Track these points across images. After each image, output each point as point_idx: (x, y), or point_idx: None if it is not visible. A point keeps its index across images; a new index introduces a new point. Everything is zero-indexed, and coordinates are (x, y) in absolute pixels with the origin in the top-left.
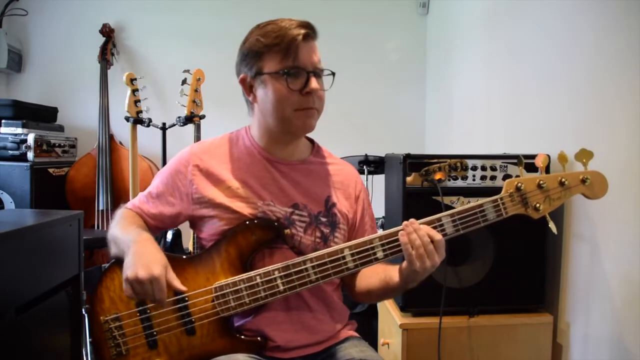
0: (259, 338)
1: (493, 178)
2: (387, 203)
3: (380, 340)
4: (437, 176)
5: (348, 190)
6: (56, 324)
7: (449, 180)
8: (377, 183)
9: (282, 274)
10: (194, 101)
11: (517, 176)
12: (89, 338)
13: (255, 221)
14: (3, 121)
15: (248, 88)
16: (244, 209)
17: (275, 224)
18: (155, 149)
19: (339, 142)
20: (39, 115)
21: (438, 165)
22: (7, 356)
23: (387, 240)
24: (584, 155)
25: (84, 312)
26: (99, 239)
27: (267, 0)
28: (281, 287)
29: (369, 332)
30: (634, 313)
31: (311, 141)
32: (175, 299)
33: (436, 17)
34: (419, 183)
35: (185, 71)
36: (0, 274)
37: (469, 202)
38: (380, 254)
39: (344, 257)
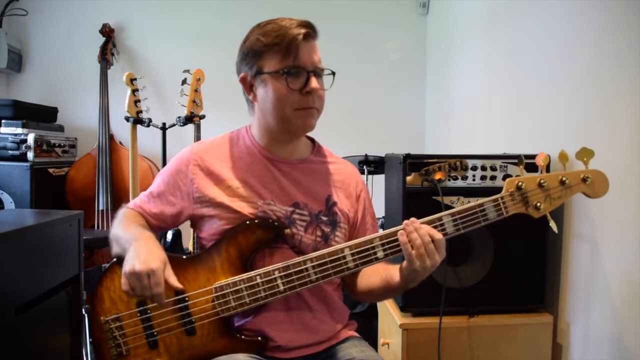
0: (259, 338)
1: (493, 178)
2: (387, 203)
3: (380, 340)
4: (437, 176)
5: (349, 189)
6: (56, 324)
7: (449, 180)
8: (377, 183)
9: (282, 273)
10: (194, 101)
11: (518, 175)
12: (89, 338)
13: (256, 221)
14: (3, 121)
15: (248, 87)
16: (245, 208)
17: (276, 223)
18: (155, 149)
19: (339, 142)
20: (39, 115)
21: (438, 165)
22: (7, 356)
23: (387, 240)
24: (585, 154)
25: (84, 312)
26: (99, 239)
27: (267, 0)
28: (281, 287)
29: (369, 332)
30: (634, 313)
31: (312, 140)
32: (175, 299)
33: (436, 17)
34: (419, 183)
35: (185, 71)
36: (0, 274)
37: (469, 202)
38: (380, 254)
39: (344, 257)
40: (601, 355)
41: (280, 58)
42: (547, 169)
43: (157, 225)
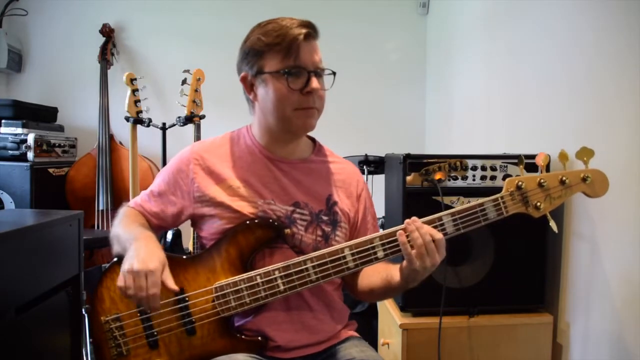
0: (259, 338)
1: (493, 178)
2: (387, 203)
3: (380, 340)
4: (437, 176)
5: (350, 189)
6: (56, 324)
7: (449, 180)
8: (377, 183)
9: (283, 273)
10: (194, 101)
11: (518, 175)
12: (89, 338)
13: (256, 221)
14: (3, 121)
15: (249, 87)
16: (245, 208)
17: (276, 223)
18: (155, 149)
19: (339, 142)
20: (39, 115)
21: (438, 165)
22: (7, 356)
23: (387, 240)
24: (585, 153)
25: (84, 312)
26: (99, 239)
27: (268, 0)
28: (281, 287)
29: (369, 332)
30: (634, 313)
31: (312, 140)
32: (175, 299)
33: (436, 17)
34: (419, 183)
35: (185, 71)
36: (0, 274)
37: (469, 202)
38: (380, 254)
39: (344, 257)
40: (601, 355)
41: (281, 58)
42: (547, 169)
43: (157, 225)
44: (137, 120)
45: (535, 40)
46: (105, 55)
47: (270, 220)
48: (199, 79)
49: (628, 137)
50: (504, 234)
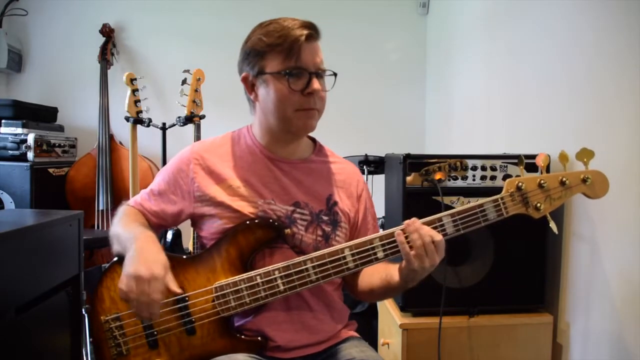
0: (259, 338)
1: (493, 178)
2: (387, 203)
3: (380, 340)
4: (437, 176)
5: (350, 189)
6: (56, 324)
7: (449, 180)
8: (377, 183)
9: (283, 273)
10: (194, 101)
11: (518, 176)
12: (89, 338)
13: (256, 221)
14: (3, 121)
15: (250, 87)
16: (245, 207)
17: (276, 223)
18: (155, 149)
19: (339, 142)
20: (39, 115)
21: (438, 165)
22: (7, 356)
23: (387, 240)
24: (585, 154)
25: (84, 312)
26: (99, 239)
27: (268, 0)
28: (281, 287)
29: (369, 332)
30: (634, 313)
31: (313, 140)
32: (175, 299)
33: (436, 17)
34: (419, 183)
35: (185, 71)
36: (0, 274)
37: (469, 202)
38: (380, 254)
39: (344, 257)
40: (601, 355)
41: (282, 59)
42: (547, 170)
43: (157, 223)
44: (137, 120)
45: (535, 40)
46: (105, 55)
47: (271, 220)
48: (199, 79)
49: (628, 137)
50: (504, 234)
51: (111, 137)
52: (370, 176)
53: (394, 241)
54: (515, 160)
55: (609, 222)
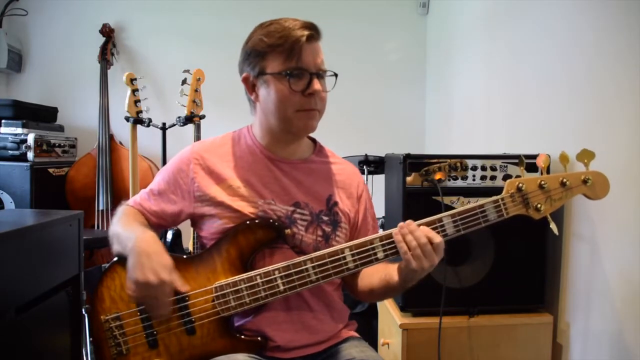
0: (259, 338)
1: (493, 178)
2: (387, 203)
3: (380, 340)
4: (437, 176)
5: (350, 189)
6: (56, 324)
7: (449, 180)
8: (377, 183)
9: (283, 273)
10: (194, 101)
11: (518, 176)
12: (89, 338)
13: (256, 221)
14: (3, 121)
15: (250, 87)
16: (245, 208)
17: (276, 224)
18: (155, 149)
19: (339, 142)
20: (39, 115)
21: (438, 165)
22: (7, 356)
23: (387, 241)
24: (586, 155)
25: (84, 312)
26: (99, 239)
27: (268, 0)
28: (281, 287)
29: (369, 332)
30: (634, 313)
31: (313, 140)
32: (175, 299)
33: (436, 17)
34: (419, 183)
35: (185, 71)
36: (0, 274)
37: (469, 202)
38: (380, 254)
39: (344, 257)
40: (601, 355)
41: (283, 59)
42: (548, 170)
43: (157, 223)
44: (137, 120)
45: (535, 40)
46: (105, 55)
47: (271, 221)
48: (199, 79)
49: (628, 137)
50: (504, 234)
51: (111, 137)
52: (370, 176)
53: (394, 241)
54: (515, 160)
55: (609, 222)
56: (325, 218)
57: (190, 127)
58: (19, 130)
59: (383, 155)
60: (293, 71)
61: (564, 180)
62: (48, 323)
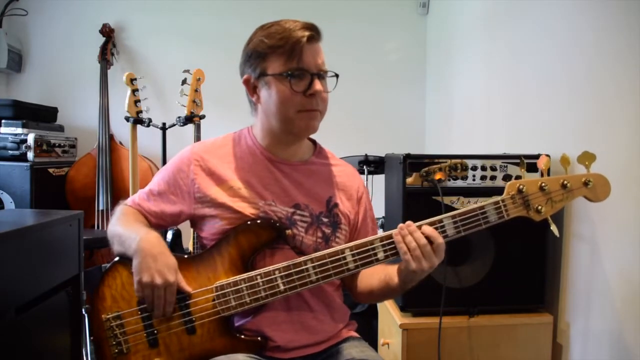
0: (259, 338)
1: (493, 178)
2: (387, 203)
3: (380, 340)
4: (437, 176)
5: (350, 191)
6: (56, 324)
7: (449, 180)
8: (377, 183)
9: (283, 273)
10: (194, 101)
11: (518, 177)
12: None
13: (257, 221)
14: (3, 121)
15: (252, 89)
16: (246, 209)
17: (277, 224)
18: (155, 149)
19: (339, 142)
20: (39, 115)
21: (438, 165)
22: (7, 356)
23: (387, 241)
24: (587, 157)
25: (84, 312)
26: (99, 239)
27: (268, 0)
28: (282, 287)
29: (369, 332)
30: (634, 313)
31: (313, 142)
32: (175, 298)
33: (436, 17)
34: (419, 183)
35: (185, 71)
36: (0, 274)
37: (469, 202)
38: (381, 255)
39: (344, 258)
40: (601, 355)
41: (284, 60)
42: (548, 172)
43: (156, 223)
44: (137, 120)
45: (535, 40)
46: (105, 55)
47: (272, 221)
48: (199, 79)
49: (628, 137)
50: (504, 234)
51: (111, 137)
52: (370, 176)
53: (394, 242)
54: (515, 160)
55: (609, 223)
56: (325, 220)
57: (190, 127)
58: (19, 130)
59: (383, 155)
60: (294, 72)
61: (565, 182)
62: (48, 323)
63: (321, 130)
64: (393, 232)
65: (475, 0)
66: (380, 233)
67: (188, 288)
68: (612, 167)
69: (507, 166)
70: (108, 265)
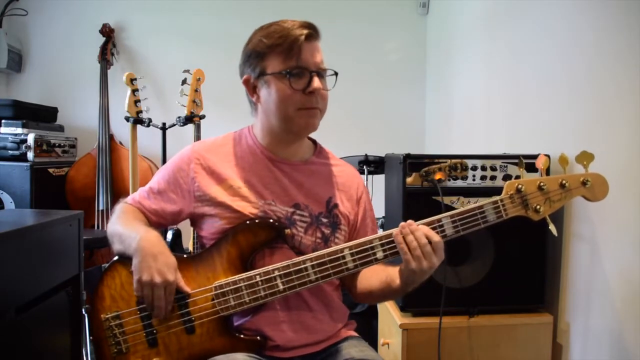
0: (258, 337)
1: (493, 178)
2: (387, 203)
3: (380, 340)
4: (437, 176)
5: (350, 191)
6: (56, 324)
7: (449, 180)
8: (377, 183)
9: (282, 273)
10: (194, 101)
11: (517, 177)
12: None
13: (256, 221)
14: (3, 121)
15: (251, 89)
16: (246, 208)
17: (276, 224)
18: (155, 149)
19: (339, 142)
20: (39, 115)
21: (438, 165)
22: (7, 356)
23: (387, 241)
24: (585, 157)
25: (84, 312)
26: (99, 239)
27: (268, 0)
28: (281, 287)
29: (369, 332)
30: (634, 313)
31: (314, 142)
32: (174, 298)
33: (436, 17)
34: (419, 183)
35: (185, 71)
36: (0, 274)
37: (469, 202)
38: (380, 255)
39: (343, 257)
40: (601, 355)
41: (283, 59)
42: (547, 172)
43: (156, 222)
44: (137, 120)
45: (535, 40)
46: (105, 55)
47: (271, 221)
48: (199, 79)
49: (628, 137)
50: (504, 234)
51: (111, 137)
52: (370, 176)
53: (393, 242)
54: (515, 161)
55: (609, 223)
56: (324, 220)
57: (190, 127)
58: (19, 130)
59: (383, 155)
60: (293, 70)
61: (563, 181)
62: (48, 323)
63: (321, 130)
64: (394, 231)
65: (475, 0)
66: (380, 233)
67: (187, 288)
68: (612, 167)
69: (507, 166)
70: (108, 264)
